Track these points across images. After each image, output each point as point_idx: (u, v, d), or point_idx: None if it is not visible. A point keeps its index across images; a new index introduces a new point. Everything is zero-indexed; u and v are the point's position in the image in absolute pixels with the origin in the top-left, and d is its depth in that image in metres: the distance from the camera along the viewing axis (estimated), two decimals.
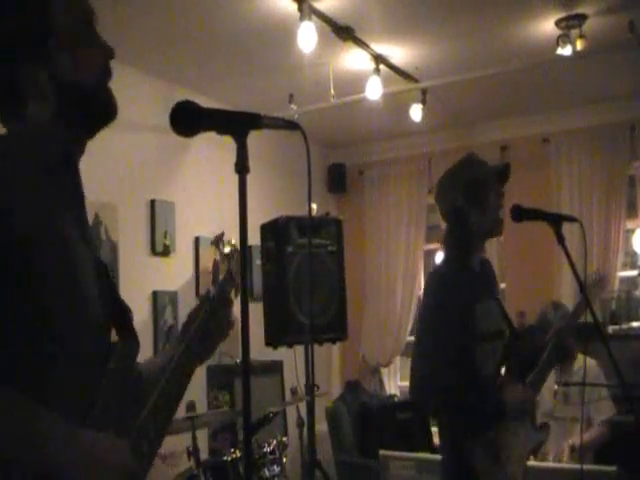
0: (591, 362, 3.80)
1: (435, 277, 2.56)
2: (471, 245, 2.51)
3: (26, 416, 1.07)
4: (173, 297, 4.77)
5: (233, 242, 1.70)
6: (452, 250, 2.53)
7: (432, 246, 6.16)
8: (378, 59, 4.48)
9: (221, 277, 1.60)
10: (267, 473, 3.34)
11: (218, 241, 1.74)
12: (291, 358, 4.45)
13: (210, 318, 1.50)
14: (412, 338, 6.21)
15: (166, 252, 4.76)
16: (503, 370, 2.52)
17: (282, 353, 4.62)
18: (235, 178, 1.24)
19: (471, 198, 2.46)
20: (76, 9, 1.30)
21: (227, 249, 1.72)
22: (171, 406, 1.37)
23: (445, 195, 2.55)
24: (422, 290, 2.61)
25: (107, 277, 1.33)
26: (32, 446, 1.07)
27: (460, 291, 2.42)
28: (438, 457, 2.55)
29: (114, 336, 1.33)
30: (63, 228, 1.19)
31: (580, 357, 3.88)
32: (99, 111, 1.31)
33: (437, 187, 2.60)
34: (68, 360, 1.17)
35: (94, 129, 1.32)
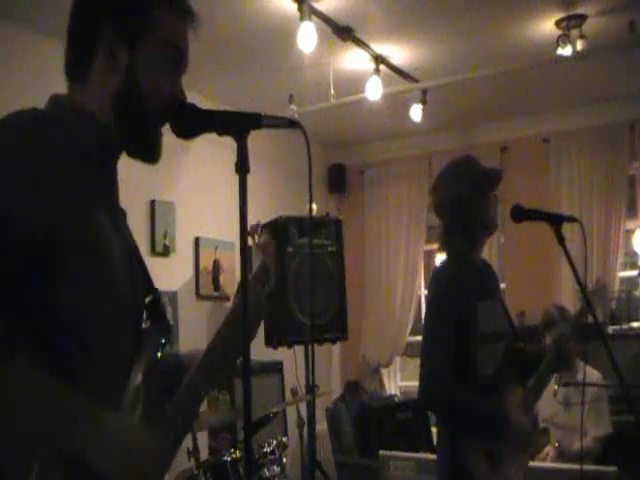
0: (595, 374, 3.80)
1: (441, 274, 2.53)
2: (475, 239, 2.51)
3: (56, 396, 1.07)
4: (173, 297, 4.77)
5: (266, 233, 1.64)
6: (456, 246, 2.51)
7: (432, 246, 6.16)
8: (378, 59, 4.48)
9: (254, 270, 1.55)
10: (267, 473, 3.34)
11: (254, 231, 1.66)
12: (291, 358, 4.46)
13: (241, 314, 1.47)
14: (412, 338, 6.24)
15: (166, 252, 4.75)
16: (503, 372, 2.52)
17: (282, 353, 4.63)
18: (235, 178, 1.23)
19: (475, 191, 2.46)
20: (180, 37, 1.30)
21: (262, 239, 1.66)
22: (197, 399, 1.38)
23: (447, 188, 2.53)
24: (428, 288, 2.58)
25: (139, 264, 1.34)
26: (60, 425, 1.06)
27: (466, 288, 2.41)
28: None
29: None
30: (94, 215, 1.19)
31: (581, 366, 3.87)
32: (142, 136, 1.29)
33: (438, 180, 2.57)
34: (96, 346, 1.17)
35: (126, 148, 1.30)
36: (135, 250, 1.35)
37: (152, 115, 1.27)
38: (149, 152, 1.31)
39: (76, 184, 1.16)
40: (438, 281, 2.52)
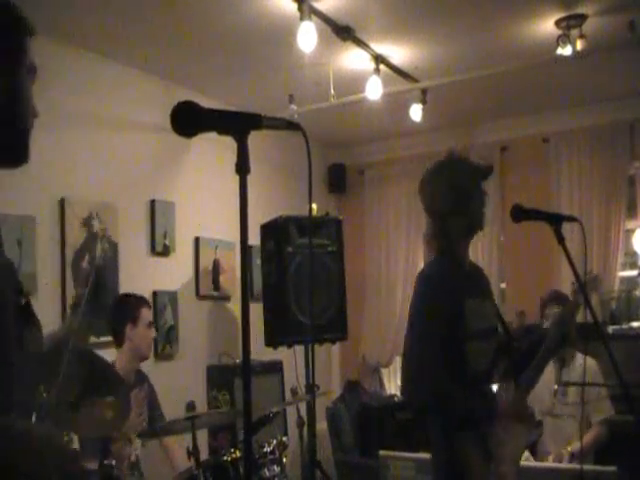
0: (590, 361, 3.80)
1: (423, 278, 2.54)
2: (455, 248, 2.53)
3: None
4: (173, 297, 4.77)
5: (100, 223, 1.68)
6: (438, 252, 2.54)
7: None
8: (378, 59, 4.47)
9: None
10: (267, 473, 3.34)
11: (91, 219, 1.70)
12: (291, 358, 4.46)
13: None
14: None
15: (166, 252, 4.75)
16: (497, 369, 2.53)
17: (282, 353, 4.63)
18: (235, 178, 1.24)
19: (452, 204, 2.48)
20: (26, 56, 1.32)
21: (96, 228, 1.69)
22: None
23: (426, 197, 2.57)
24: (414, 287, 2.58)
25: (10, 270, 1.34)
26: None
27: (449, 289, 2.43)
28: None
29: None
30: None
31: (579, 356, 3.88)
32: (21, 148, 1.29)
33: (419, 186, 2.60)
34: None
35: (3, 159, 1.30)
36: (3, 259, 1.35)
37: (30, 126, 1.30)
38: (22, 160, 1.31)
39: None
40: (424, 279, 2.53)
